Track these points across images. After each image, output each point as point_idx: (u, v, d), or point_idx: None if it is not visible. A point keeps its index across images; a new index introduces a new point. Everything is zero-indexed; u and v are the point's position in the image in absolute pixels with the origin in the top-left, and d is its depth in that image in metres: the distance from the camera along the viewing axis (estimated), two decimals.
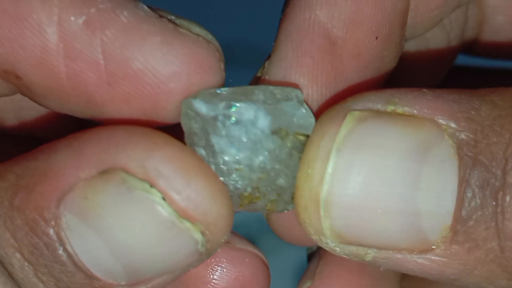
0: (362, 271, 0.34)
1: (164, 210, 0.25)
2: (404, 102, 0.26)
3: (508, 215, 0.25)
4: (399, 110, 0.26)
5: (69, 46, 0.26)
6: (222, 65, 0.27)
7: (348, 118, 0.26)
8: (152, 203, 0.25)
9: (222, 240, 0.26)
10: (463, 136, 0.25)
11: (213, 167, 0.27)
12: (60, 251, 0.25)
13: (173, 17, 0.26)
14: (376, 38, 0.28)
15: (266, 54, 0.29)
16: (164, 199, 0.25)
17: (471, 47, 0.39)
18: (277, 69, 0.28)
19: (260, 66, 0.29)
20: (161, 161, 0.25)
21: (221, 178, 0.27)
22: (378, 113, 0.26)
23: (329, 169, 0.25)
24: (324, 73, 0.28)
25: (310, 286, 0.34)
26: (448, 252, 0.25)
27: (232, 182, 0.27)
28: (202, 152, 0.27)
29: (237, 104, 0.26)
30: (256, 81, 0.29)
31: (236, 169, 0.27)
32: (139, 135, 0.25)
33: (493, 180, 0.25)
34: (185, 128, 0.27)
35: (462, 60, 0.39)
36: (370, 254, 0.26)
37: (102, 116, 0.27)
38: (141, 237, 0.25)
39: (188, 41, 0.26)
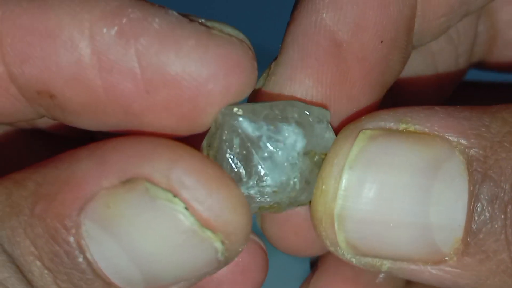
0: (357, 282, 0.34)
1: (186, 220, 0.25)
2: (416, 121, 0.27)
3: None
4: (411, 128, 0.27)
5: (104, 58, 0.26)
6: (256, 64, 0.27)
7: (360, 136, 0.27)
8: (175, 213, 0.25)
9: (240, 249, 0.27)
10: (473, 152, 0.26)
11: (251, 183, 0.27)
12: (80, 259, 0.26)
13: (203, 20, 0.27)
14: (381, 42, 0.29)
15: (270, 56, 0.30)
16: (186, 208, 0.25)
17: (483, 62, 0.39)
18: (283, 70, 0.29)
19: (265, 67, 0.30)
20: (185, 172, 0.25)
21: (253, 194, 0.27)
22: (390, 131, 0.27)
23: (342, 186, 0.27)
24: (329, 74, 0.28)
25: (313, 274, 0.34)
26: (461, 263, 0.26)
27: (263, 199, 0.28)
28: (235, 165, 0.27)
29: (278, 125, 0.27)
30: (262, 83, 0.30)
31: (274, 191, 0.27)
32: (163, 146, 0.26)
33: (502, 194, 0.26)
34: (218, 133, 0.27)
35: (475, 75, 0.40)
36: (386, 265, 0.27)
37: (140, 126, 0.27)
38: (162, 245, 0.26)
39: (222, 42, 0.26)
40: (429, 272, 0.27)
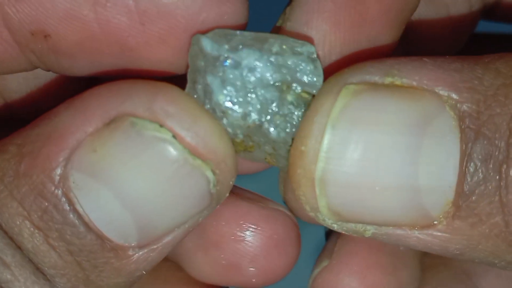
0: (382, 250, 0.33)
1: (176, 148, 0.25)
2: (403, 73, 0.25)
3: None
4: (398, 81, 0.25)
5: None
6: None
7: (343, 92, 0.25)
8: (164, 143, 0.25)
9: (231, 182, 0.26)
10: (465, 107, 0.24)
11: (207, 107, 0.26)
12: (70, 213, 0.25)
13: None
14: None
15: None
16: (174, 137, 0.25)
17: (492, 12, 0.38)
18: (298, 15, 0.27)
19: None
20: (167, 102, 0.25)
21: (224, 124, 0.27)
22: (375, 86, 0.25)
23: (324, 147, 0.25)
24: (347, 17, 0.27)
25: (327, 265, 0.33)
26: (451, 227, 0.25)
27: (232, 131, 0.27)
28: (200, 91, 0.26)
29: (242, 49, 0.26)
30: (276, 31, 0.28)
31: (224, 112, 0.26)
32: (140, 83, 0.26)
33: (497, 153, 0.24)
34: (190, 63, 0.27)
35: (486, 27, 0.39)
36: (370, 231, 0.26)
37: (136, 63, 0.27)
38: (154, 180, 0.25)
39: None
40: (417, 237, 0.25)
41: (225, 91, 0.26)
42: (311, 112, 0.25)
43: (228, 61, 0.26)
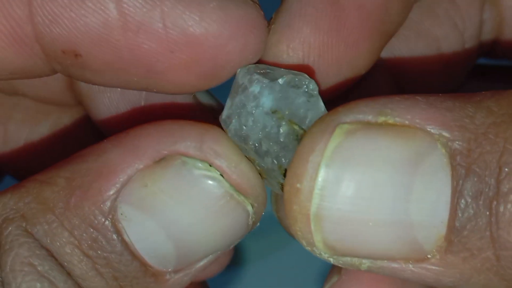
0: None
1: (223, 185, 0.27)
2: (396, 112, 0.26)
3: (503, 225, 0.24)
4: (391, 120, 0.26)
5: (130, 20, 0.26)
6: (267, 25, 0.28)
7: (337, 131, 0.26)
8: (213, 180, 0.27)
9: (262, 213, 0.29)
10: (456, 145, 0.25)
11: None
12: (118, 242, 0.27)
13: None
14: None
15: None
16: (221, 175, 0.28)
17: (492, 50, 0.39)
18: (282, 18, 0.29)
19: None
20: (215, 143, 0.28)
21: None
22: (369, 125, 0.26)
23: (318, 185, 0.25)
24: (327, 22, 0.29)
25: (337, 281, 0.34)
26: (444, 261, 0.25)
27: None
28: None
29: (256, 79, 0.28)
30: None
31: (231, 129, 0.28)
32: (188, 125, 0.28)
33: (487, 190, 0.25)
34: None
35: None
36: (365, 264, 0.26)
37: (159, 84, 0.28)
38: (200, 214, 0.27)
39: (240, 4, 0.27)
40: (411, 270, 0.26)
41: (237, 116, 0.28)
42: (306, 150, 0.26)
43: (241, 88, 0.28)
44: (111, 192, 0.27)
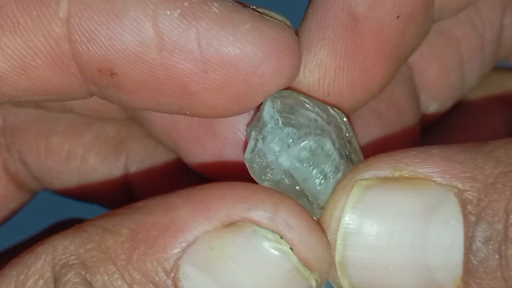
0: None
1: (292, 260, 0.27)
2: (411, 167, 0.28)
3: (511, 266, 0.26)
4: (406, 174, 0.28)
5: (166, 39, 0.27)
6: (300, 48, 0.29)
7: (355, 188, 0.28)
8: (282, 254, 0.27)
9: (323, 286, 0.29)
10: (466, 195, 0.27)
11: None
12: None
13: (254, 7, 0.28)
14: (398, 17, 0.30)
15: None
16: (291, 249, 0.27)
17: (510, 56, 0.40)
18: (301, 40, 0.30)
19: None
20: (288, 215, 0.27)
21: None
22: (385, 180, 0.28)
23: (340, 237, 0.28)
24: (344, 46, 0.29)
25: None
26: None
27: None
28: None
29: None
30: None
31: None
32: (262, 192, 0.28)
33: (496, 235, 0.26)
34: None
35: None
36: None
37: (193, 106, 0.28)
38: (265, 285, 0.27)
39: (274, 26, 0.28)
40: None
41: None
42: (330, 206, 0.29)
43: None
44: (176, 251, 0.27)
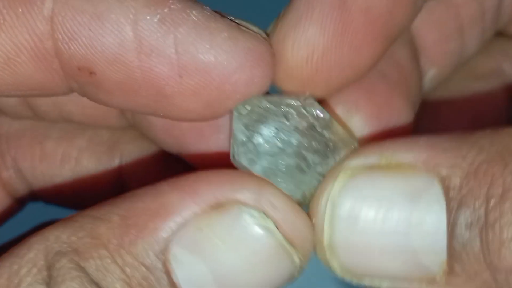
0: None
1: (277, 236, 0.29)
2: (397, 155, 0.29)
3: (493, 251, 0.27)
4: (392, 161, 0.29)
5: (145, 43, 0.28)
6: (275, 60, 0.30)
7: (341, 174, 0.29)
8: (267, 230, 0.28)
9: (305, 268, 0.30)
10: (449, 182, 0.28)
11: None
12: (166, 282, 0.28)
13: (232, 18, 0.29)
14: None
15: None
16: (276, 227, 0.29)
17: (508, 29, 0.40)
18: (288, 19, 0.30)
19: None
20: (273, 196, 0.29)
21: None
22: (371, 167, 0.29)
23: (327, 221, 0.29)
24: (332, 24, 0.30)
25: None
26: (450, 283, 0.28)
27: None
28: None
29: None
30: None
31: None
32: (247, 177, 0.29)
33: (476, 220, 0.27)
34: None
35: None
36: (385, 284, 0.30)
37: (167, 109, 0.30)
38: (251, 262, 0.29)
39: (250, 37, 0.29)
40: None
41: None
42: (318, 192, 0.30)
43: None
44: (166, 234, 0.28)
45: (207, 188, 0.29)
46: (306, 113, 0.30)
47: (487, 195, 0.27)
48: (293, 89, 0.31)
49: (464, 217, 0.27)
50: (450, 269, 0.28)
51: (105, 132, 0.39)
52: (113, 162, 0.38)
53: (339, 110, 0.32)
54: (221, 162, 0.32)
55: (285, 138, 0.30)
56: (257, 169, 0.30)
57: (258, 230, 0.28)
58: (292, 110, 0.30)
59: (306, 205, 0.31)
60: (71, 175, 0.38)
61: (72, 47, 0.28)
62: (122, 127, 0.38)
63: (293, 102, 0.30)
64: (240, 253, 0.28)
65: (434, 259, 0.28)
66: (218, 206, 0.28)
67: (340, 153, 0.30)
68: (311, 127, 0.30)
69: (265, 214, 0.28)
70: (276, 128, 0.30)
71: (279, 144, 0.30)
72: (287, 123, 0.30)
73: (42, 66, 0.29)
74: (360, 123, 0.32)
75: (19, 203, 0.41)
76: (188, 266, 0.28)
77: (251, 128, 0.30)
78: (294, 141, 0.30)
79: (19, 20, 0.28)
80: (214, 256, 0.28)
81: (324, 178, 0.30)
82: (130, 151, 0.38)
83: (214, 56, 0.28)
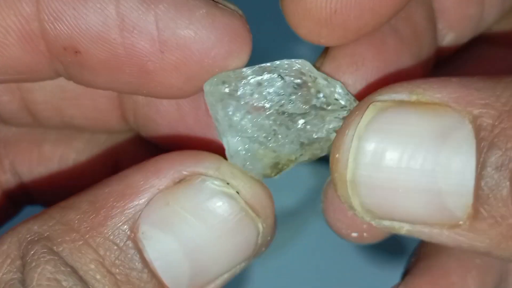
0: None
1: (239, 201, 0.30)
2: (428, 92, 0.28)
3: None
4: (423, 99, 0.28)
5: (127, 20, 0.29)
6: (251, 35, 0.30)
7: (370, 108, 0.28)
8: (230, 197, 0.30)
9: (269, 238, 0.31)
10: (481, 121, 0.27)
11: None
12: (138, 259, 0.29)
13: None
14: None
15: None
16: (238, 193, 0.30)
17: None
18: None
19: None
20: (231, 167, 0.30)
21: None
22: (401, 103, 0.28)
23: (352, 155, 0.28)
24: None
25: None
26: (474, 228, 0.27)
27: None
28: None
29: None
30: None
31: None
32: (206, 153, 0.31)
33: (507, 162, 0.26)
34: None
35: None
36: (405, 228, 0.29)
37: (149, 85, 0.30)
38: (218, 229, 0.29)
39: (227, 13, 0.29)
40: (447, 235, 0.28)
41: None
42: (344, 125, 0.29)
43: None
44: (133, 211, 0.29)
45: (170, 166, 0.30)
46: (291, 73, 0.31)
47: None
48: (309, 31, 0.30)
49: (494, 158, 0.26)
50: (475, 213, 0.27)
51: (103, 134, 0.39)
52: (111, 164, 0.39)
53: (345, 62, 0.32)
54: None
55: (267, 96, 0.30)
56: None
57: (221, 196, 0.30)
58: (275, 72, 0.31)
59: (279, 169, 0.31)
60: (69, 178, 0.39)
61: (57, 27, 0.29)
62: (122, 130, 0.38)
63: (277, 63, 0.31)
64: (207, 223, 0.29)
65: (459, 202, 0.27)
66: (182, 181, 0.30)
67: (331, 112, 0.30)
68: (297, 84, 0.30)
69: (226, 182, 0.30)
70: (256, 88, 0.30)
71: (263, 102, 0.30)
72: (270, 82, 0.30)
73: (29, 47, 0.30)
74: (364, 77, 0.31)
75: (16, 206, 0.41)
76: (158, 242, 0.29)
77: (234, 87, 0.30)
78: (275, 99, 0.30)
79: (6, 3, 0.29)
80: (183, 230, 0.29)
81: (350, 111, 0.29)
82: (127, 153, 0.39)
83: (194, 31, 0.29)
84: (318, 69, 0.31)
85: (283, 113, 0.30)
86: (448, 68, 0.39)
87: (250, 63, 0.31)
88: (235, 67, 0.30)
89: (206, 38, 0.29)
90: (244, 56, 0.30)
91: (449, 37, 0.37)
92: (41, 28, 0.29)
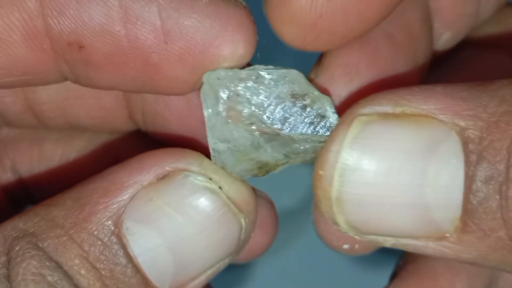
0: None
1: (222, 197, 0.30)
2: (412, 103, 0.27)
3: None
4: (408, 111, 0.27)
5: (129, 11, 0.28)
6: (255, 26, 0.30)
7: (354, 123, 0.27)
8: (212, 192, 0.30)
9: (252, 234, 0.31)
10: (468, 133, 0.26)
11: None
12: (122, 255, 0.29)
13: None
14: None
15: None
16: (220, 188, 0.30)
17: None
18: None
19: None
20: (213, 165, 0.30)
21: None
22: (386, 116, 0.27)
23: (337, 173, 0.27)
24: None
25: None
26: (461, 240, 0.27)
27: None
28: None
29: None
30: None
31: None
32: (189, 150, 0.31)
33: (497, 175, 0.26)
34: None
35: None
36: (390, 241, 0.28)
37: (154, 79, 0.30)
38: (201, 224, 0.30)
39: (231, 4, 0.29)
40: (432, 248, 0.27)
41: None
42: (329, 140, 0.28)
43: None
44: (117, 207, 0.29)
45: (153, 162, 0.30)
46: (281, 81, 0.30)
47: (509, 148, 0.26)
48: (294, 37, 0.29)
49: (483, 171, 0.26)
50: (464, 226, 0.26)
51: (106, 133, 0.39)
52: (111, 163, 0.39)
53: (338, 73, 0.31)
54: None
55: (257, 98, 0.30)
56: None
57: (204, 191, 0.29)
58: (267, 76, 0.30)
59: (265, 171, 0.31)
60: (69, 176, 0.39)
61: (61, 22, 0.29)
62: (127, 129, 0.38)
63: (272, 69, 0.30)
64: (190, 218, 0.29)
65: (446, 215, 0.27)
66: (165, 177, 0.30)
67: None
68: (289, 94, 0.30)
69: (209, 177, 0.30)
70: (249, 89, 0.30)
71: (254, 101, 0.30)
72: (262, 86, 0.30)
73: (34, 45, 0.29)
74: (360, 88, 0.31)
75: (17, 205, 0.41)
76: (142, 237, 0.29)
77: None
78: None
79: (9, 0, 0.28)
80: (166, 225, 0.29)
81: (335, 125, 0.28)
82: (128, 152, 0.38)
83: (197, 20, 0.29)
84: (311, 81, 0.31)
85: (269, 123, 0.30)
86: (435, 73, 0.38)
87: (250, 61, 0.30)
88: (239, 56, 0.29)
89: (209, 27, 0.29)
90: (249, 46, 0.29)
91: (445, 37, 0.37)
92: (45, 24, 0.29)
